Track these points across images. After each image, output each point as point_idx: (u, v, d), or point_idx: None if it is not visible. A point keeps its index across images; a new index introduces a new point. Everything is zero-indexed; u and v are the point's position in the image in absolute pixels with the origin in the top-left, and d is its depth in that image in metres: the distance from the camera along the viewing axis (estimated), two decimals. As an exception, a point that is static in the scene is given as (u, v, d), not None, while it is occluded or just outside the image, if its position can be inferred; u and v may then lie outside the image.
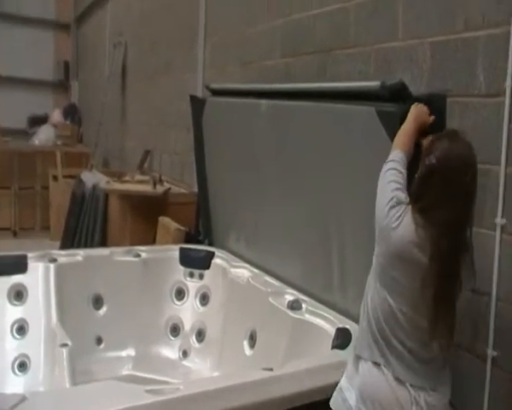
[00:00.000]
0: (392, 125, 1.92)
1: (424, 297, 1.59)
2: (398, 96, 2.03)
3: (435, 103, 1.94)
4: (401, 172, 1.73)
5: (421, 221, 1.61)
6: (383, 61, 2.52)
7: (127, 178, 5.03)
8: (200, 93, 4.53)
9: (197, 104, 3.51)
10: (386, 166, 1.76)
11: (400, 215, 1.65)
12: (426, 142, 1.78)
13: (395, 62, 2.44)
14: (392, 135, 1.89)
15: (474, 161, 1.64)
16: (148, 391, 1.64)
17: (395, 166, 1.74)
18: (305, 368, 1.90)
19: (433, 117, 1.90)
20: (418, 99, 1.96)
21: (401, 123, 1.86)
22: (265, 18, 3.54)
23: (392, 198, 1.67)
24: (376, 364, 1.68)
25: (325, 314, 2.38)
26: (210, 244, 3.56)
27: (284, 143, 2.73)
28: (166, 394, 1.64)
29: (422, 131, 1.86)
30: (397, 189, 1.70)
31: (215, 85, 3.63)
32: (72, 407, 1.57)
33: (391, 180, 1.72)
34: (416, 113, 1.88)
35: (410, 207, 1.65)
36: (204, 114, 3.43)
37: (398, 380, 1.65)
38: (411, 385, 1.65)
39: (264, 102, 2.86)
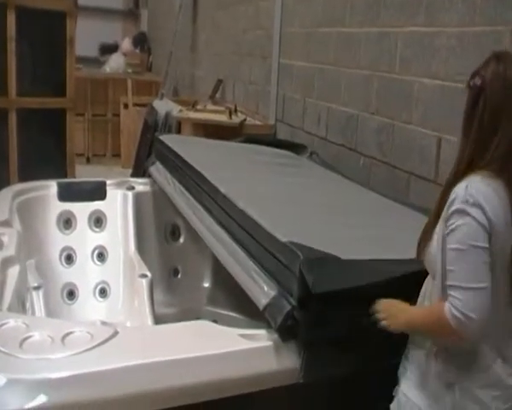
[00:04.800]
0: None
1: None
2: None
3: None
4: None
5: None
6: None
7: (200, 107, 4.89)
8: (277, 21, 4.27)
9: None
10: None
11: None
12: None
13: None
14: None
15: None
16: (241, 336, 1.53)
17: None
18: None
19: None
20: None
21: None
22: None
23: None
24: None
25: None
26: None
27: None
28: (260, 340, 1.53)
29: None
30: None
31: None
32: (162, 346, 1.50)
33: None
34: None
35: None
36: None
37: None
38: None
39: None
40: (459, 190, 1.31)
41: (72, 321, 2.47)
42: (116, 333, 1.47)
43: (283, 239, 1.62)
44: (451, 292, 1.27)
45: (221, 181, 2.24)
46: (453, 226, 1.29)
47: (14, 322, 1.51)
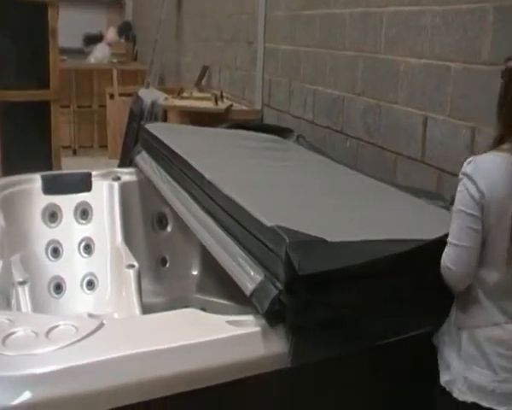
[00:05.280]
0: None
1: None
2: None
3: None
4: None
5: None
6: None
7: (185, 94, 4.84)
8: (262, 5, 4.22)
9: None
10: None
11: None
12: None
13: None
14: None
15: None
16: (229, 322, 1.51)
17: None
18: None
19: None
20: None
21: None
22: None
23: None
24: None
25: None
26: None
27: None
28: (248, 326, 1.52)
29: None
30: None
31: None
32: (148, 336, 1.47)
33: None
34: None
35: None
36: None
37: None
38: None
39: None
40: (466, 161, 1.49)
41: (56, 315, 2.45)
42: (102, 325, 1.45)
43: (269, 224, 1.60)
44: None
45: (206, 167, 2.21)
46: (457, 191, 1.51)
47: (-4, 318, 1.48)
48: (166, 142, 2.68)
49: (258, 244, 1.65)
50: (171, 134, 2.93)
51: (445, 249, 1.49)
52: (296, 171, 2.61)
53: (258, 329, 1.52)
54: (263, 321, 1.52)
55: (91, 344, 1.38)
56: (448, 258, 1.48)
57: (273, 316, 1.51)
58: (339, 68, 3.25)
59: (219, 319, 1.57)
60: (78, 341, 1.38)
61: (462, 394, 1.50)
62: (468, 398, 1.49)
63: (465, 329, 1.53)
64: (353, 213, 1.95)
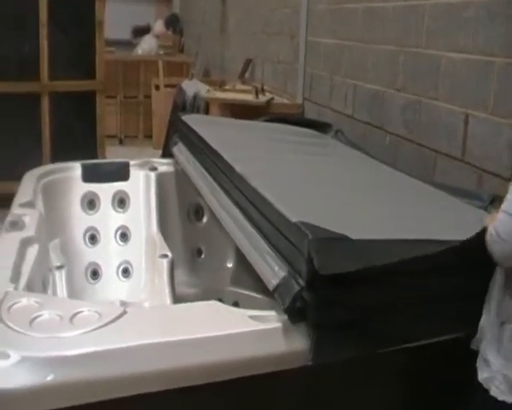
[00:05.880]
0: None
1: None
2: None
3: None
4: None
5: None
6: None
7: (228, 87, 4.86)
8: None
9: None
10: None
11: None
12: None
13: None
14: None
15: None
16: (251, 317, 1.52)
17: None
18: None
19: None
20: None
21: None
22: None
23: None
24: None
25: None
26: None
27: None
28: (270, 322, 1.51)
29: None
30: None
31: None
32: (169, 326, 1.50)
33: None
34: None
35: None
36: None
37: None
38: None
39: None
40: None
41: (92, 301, 2.51)
42: (124, 313, 1.48)
43: (293, 219, 1.59)
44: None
45: (237, 160, 2.21)
46: None
47: (26, 301, 1.53)
48: (201, 133, 2.70)
49: (283, 240, 1.64)
50: (206, 126, 2.95)
51: (499, 217, 1.38)
52: (331, 166, 2.58)
53: (279, 325, 1.51)
54: (285, 317, 1.51)
55: (112, 331, 1.41)
56: (502, 227, 1.36)
57: (295, 313, 1.50)
58: (379, 63, 3.19)
59: (242, 313, 1.57)
60: (100, 327, 1.41)
61: (500, 393, 1.43)
62: (507, 398, 1.41)
63: (508, 323, 1.43)
64: (383, 210, 1.91)
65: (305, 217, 1.60)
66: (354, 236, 1.53)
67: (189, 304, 1.68)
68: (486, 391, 1.45)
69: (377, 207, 1.95)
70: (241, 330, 1.49)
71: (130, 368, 1.36)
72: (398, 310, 1.53)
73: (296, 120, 3.54)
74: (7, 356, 1.30)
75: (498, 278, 1.48)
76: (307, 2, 4.17)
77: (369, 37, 3.30)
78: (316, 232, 1.49)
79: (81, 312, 1.48)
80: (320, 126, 3.38)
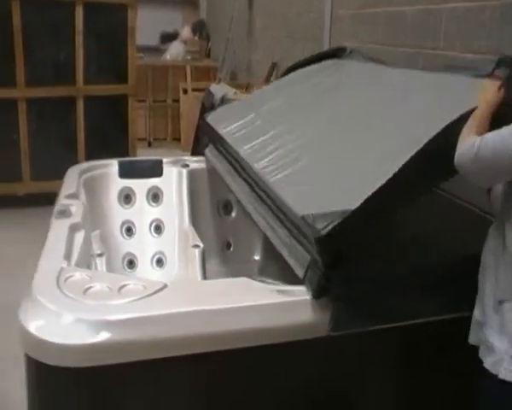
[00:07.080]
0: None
1: None
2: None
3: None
4: None
5: None
6: None
7: (254, 89, 5.05)
8: (328, 3, 4.35)
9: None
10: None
11: None
12: None
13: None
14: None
15: None
16: (278, 291, 1.70)
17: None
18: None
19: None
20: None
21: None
22: None
23: None
24: None
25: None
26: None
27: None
28: (296, 295, 1.69)
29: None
30: None
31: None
32: (205, 297, 1.68)
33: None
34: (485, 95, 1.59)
35: None
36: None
37: None
38: None
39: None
40: None
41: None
42: (165, 286, 1.66)
43: (300, 213, 1.73)
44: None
45: (253, 155, 2.37)
46: None
47: (79, 275, 1.73)
48: (220, 131, 2.87)
49: (300, 231, 1.79)
50: (225, 119, 3.04)
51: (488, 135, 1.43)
52: (342, 106, 2.57)
53: (303, 298, 1.68)
54: (308, 292, 1.69)
55: (155, 300, 1.60)
56: (487, 141, 1.41)
57: (319, 291, 1.66)
58: (399, 65, 3.32)
59: (270, 288, 1.75)
60: (144, 297, 1.60)
61: (510, 373, 1.43)
62: None
63: (506, 302, 1.45)
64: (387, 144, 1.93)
65: (310, 206, 1.73)
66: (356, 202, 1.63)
67: (222, 280, 1.87)
68: (494, 376, 1.47)
69: (380, 145, 1.98)
70: (270, 302, 1.67)
71: (170, 332, 1.54)
72: (409, 286, 1.69)
73: (311, 59, 3.43)
74: (63, 317, 1.51)
75: (492, 248, 1.54)
76: (331, 6, 4.33)
77: (390, 39, 3.45)
78: (321, 221, 1.61)
79: (128, 284, 1.67)
80: (335, 53, 3.34)
